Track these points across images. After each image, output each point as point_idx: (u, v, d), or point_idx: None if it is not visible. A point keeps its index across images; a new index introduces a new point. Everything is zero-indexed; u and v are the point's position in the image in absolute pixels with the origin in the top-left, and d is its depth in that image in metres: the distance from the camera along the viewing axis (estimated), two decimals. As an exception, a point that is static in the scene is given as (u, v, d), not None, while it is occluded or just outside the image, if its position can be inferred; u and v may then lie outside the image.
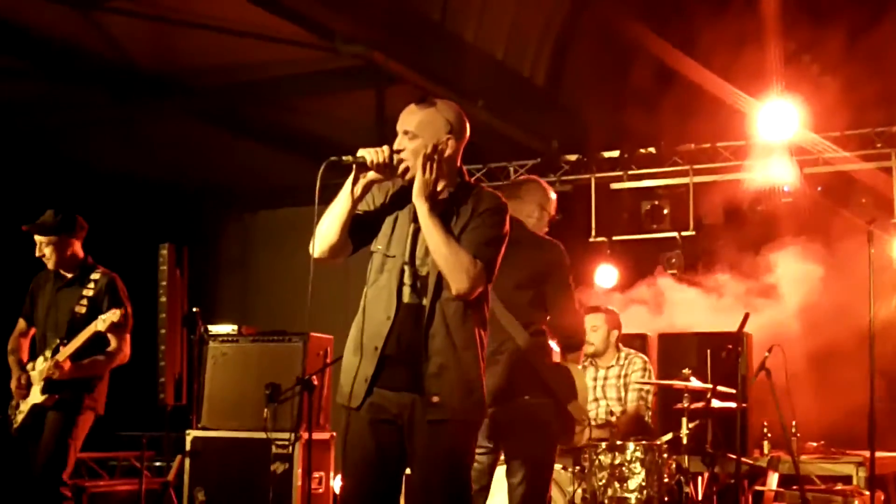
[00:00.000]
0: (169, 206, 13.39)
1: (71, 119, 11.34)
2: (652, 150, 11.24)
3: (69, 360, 6.98)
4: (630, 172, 11.39)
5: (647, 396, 8.33)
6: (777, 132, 10.07)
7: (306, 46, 9.69)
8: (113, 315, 6.91)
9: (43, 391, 7.05)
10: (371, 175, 4.56)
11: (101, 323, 6.94)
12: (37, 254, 7.27)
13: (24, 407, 7.14)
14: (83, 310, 7.12)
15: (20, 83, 10.51)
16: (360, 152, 4.54)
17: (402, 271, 4.59)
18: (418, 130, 4.59)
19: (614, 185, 11.44)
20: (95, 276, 7.25)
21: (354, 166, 4.55)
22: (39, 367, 7.11)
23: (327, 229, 4.60)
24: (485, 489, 6.30)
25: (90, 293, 7.17)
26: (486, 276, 4.57)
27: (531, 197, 6.54)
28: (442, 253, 4.48)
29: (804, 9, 10.18)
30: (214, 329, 9.17)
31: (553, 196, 6.65)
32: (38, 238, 7.24)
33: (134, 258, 9.43)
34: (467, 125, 4.73)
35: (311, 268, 4.64)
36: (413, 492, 4.62)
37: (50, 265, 7.28)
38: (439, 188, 4.64)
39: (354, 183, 4.55)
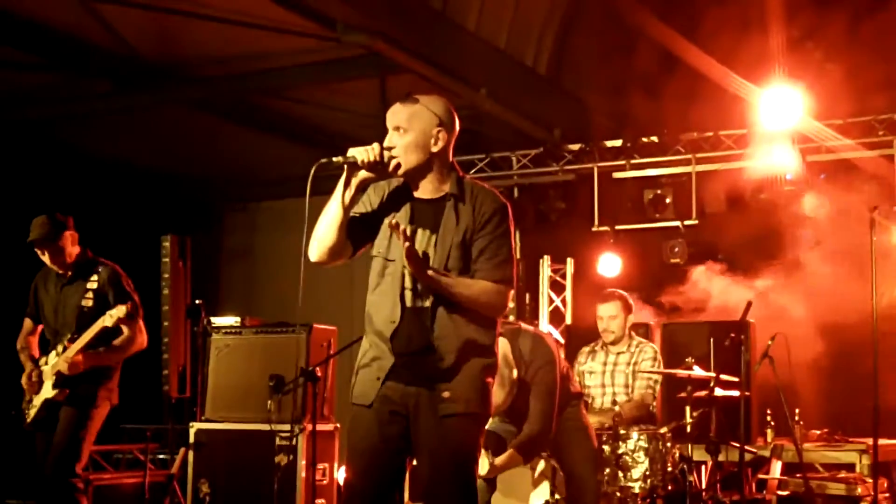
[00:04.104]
0: (172, 196, 13.42)
1: (73, 109, 11.35)
2: (654, 138, 11.21)
3: (81, 353, 7.00)
4: (633, 161, 11.35)
5: (655, 385, 8.24)
6: (779, 120, 10.07)
7: (309, 36, 9.69)
8: (119, 311, 6.93)
9: (54, 386, 7.06)
10: (363, 174, 4.52)
11: (108, 319, 6.96)
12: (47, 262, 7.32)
13: (37, 401, 7.15)
14: (90, 303, 7.15)
15: (22, 74, 10.52)
16: (351, 151, 4.48)
17: (403, 275, 4.55)
18: (408, 125, 4.56)
19: (617, 174, 11.39)
20: (97, 268, 7.27)
21: (345, 166, 4.49)
22: (51, 363, 7.12)
23: (324, 232, 4.56)
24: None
25: (94, 286, 7.18)
26: (512, 287, 4.61)
27: None
28: (469, 301, 4.52)
29: (807, -5, 10.17)
30: (217, 321, 9.19)
31: None
32: (37, 249, 7.26)
33: (137, 249, 9.45)
34: (456, 118, 4.69)
35: (302, 265, 4.58)
36: (418, 482, 4.61)
37: (55, 268, 7.30)
38: (435, 186, 4.63)
39: (346, 183, 4.51)
